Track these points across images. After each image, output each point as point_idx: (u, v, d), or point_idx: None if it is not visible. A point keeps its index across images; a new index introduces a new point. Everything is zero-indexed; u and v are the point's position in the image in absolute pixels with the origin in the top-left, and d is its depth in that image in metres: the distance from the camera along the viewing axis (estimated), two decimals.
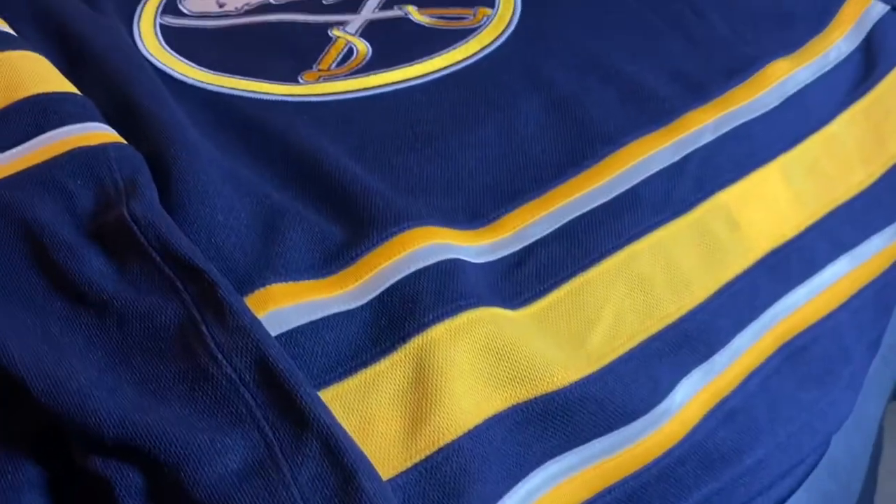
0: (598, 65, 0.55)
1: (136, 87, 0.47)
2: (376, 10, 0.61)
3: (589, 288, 0.40)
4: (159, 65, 0.55)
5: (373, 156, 0.47)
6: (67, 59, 0.50)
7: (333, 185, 0.44)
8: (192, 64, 0.55)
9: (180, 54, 0.57)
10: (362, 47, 0.56)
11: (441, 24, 0.59)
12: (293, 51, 0.56)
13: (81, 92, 0.46)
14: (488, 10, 0.60)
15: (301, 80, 0.53)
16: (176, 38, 0.59)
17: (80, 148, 0.40)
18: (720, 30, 0.59)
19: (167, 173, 0.41)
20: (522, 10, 0.60)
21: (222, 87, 0.53)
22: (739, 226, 0.46)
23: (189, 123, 0.46)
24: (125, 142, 0.42)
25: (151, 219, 0.36)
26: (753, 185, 0.48)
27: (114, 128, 0.44)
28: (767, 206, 0.48)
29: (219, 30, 0.60)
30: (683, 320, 0.42)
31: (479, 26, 0.58)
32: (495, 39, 0.57)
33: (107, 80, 0.48)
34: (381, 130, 0.49)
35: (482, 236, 0.42)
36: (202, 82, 0.53)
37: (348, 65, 0.54)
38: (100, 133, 0.42)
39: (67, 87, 0.45)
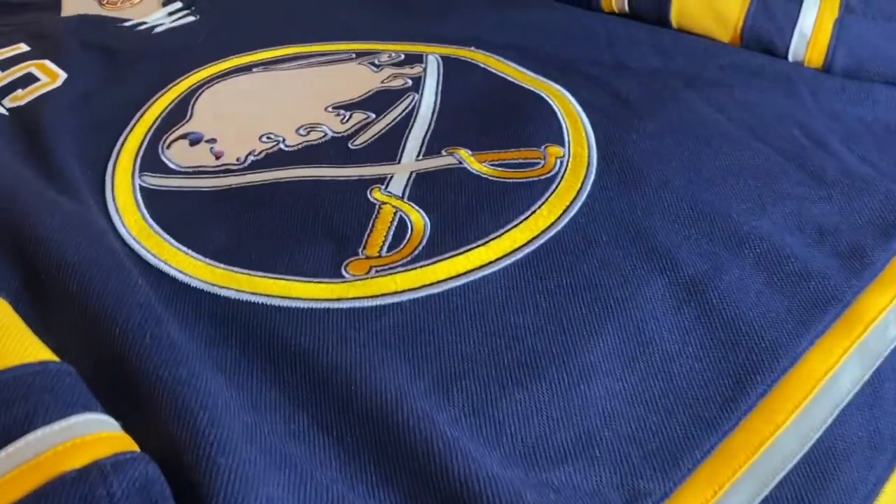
0: (717, 222, 0.43)
1: (132, 333, 0.33)
2: (420, 157, 0.48)
3: None
4: (148, 257, 0.42)
5: (468, 398, 0.34)
6: (30, 285, 0.36)
7: (432, 469, 0.31)
8: (193, 253, 0.42)
9: (174, 236, 0.43)
10: (417, 218, 0.43)
11: (507, 175, 0.46)
12: (327, 226, 0.43)
13: (54, 339, 0.33)
14: (559, 150, 0.48)
15: (346, 274, 0.40)
16: (164, 208, 0.45)
17: (63, 476, 0.26)
18: (846, 159, 0.48)
19: (200, 490, 0.27)
20: (598, 146, 0.49)
21: (241, 291, 0.39)
22: None
23: (213, 380, 0.33)
24: (131, 445, 0.29)
25: None
26: None
27: (105, 400, 0.31)
28: None
29: (221, 193, 0.46)
30: None
31: (555, 174, 0.46)
32: (579, 192, 0.45)
33: (86, 317, 0.34)
34: (467, 352, 0.36)
35: None
36: (211, 284, 0.40)
37: (404, 248, 0.42)
38: (92, 437, 0.28)
39: (34, 350, 0.31)
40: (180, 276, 0.40)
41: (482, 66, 0.57)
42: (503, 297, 0.39)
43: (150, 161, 0.49)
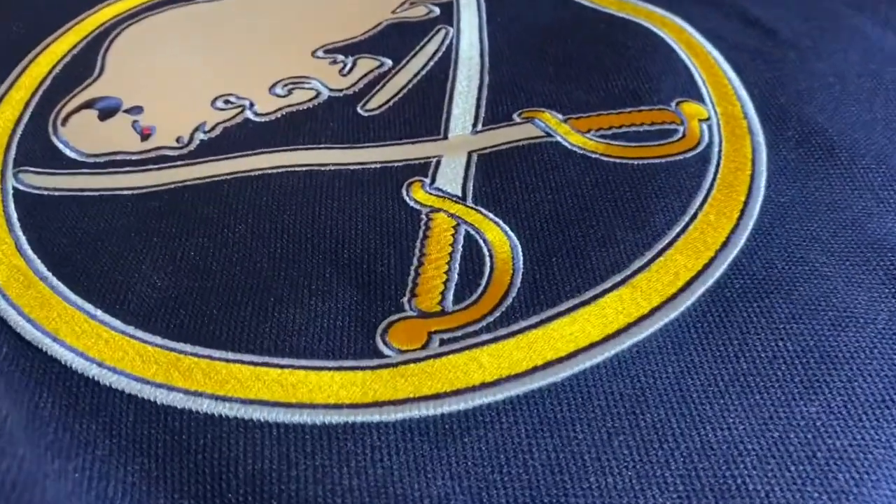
0: None
1: None
2: (480, 126, 0.30)
3: None
4: (21, 325, 0.23)
5: None
6: None
7: None
8: (106, 316, 0.23)
9: (72, 283, 0.24)
10: (497, 237, 0.25)
11: (632, 153, 0.28)
12: (341, 255, 0.25)
13: None
14: (700, 108, 0.30)
15: (388, 350, 0.22)
16: (56, 231, 0.26)
17: None
18: None
19: None
20: (755, 100, 0.31)
21: (195, 393, 0.21)
22: None
23: None
24: None
25: None
26: None
27: None
28: None
29: (152, 200, 0.27)
30: None
31: (707, 148, 0.28)
32: (753, 179, 0.27)
33: None
34: None
35: None
36: (140, 379, 0.22)
37: (484, 294, 0.23)
38: None
39: None
40: (82, 365, 0.22)
41: None
42: (687, 382, 0.21)
43: (34, 146, 0.30)
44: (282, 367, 0.22)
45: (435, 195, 0.26)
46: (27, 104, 0.32)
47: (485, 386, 0.21)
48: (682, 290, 0.23)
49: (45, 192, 0.28)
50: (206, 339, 0.22)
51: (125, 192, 0.28)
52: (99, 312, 0.23)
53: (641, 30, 0.34)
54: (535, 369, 0.21)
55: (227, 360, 0.22)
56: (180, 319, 0.23)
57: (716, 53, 0.33)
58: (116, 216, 0.27)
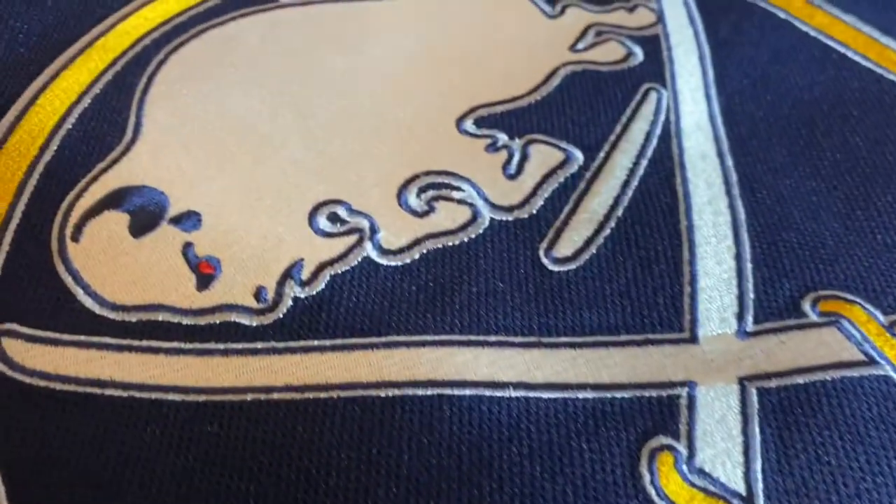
0: None
1: None
2: (749, 321, 0.18)
3: None
4: None
5: None
6: None
7: None
8: None
9: None
10: None
11: None
12: None
13: None
14: None
15: None
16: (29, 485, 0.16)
17: None
18: None
19: None
20: None
21: None
22: None
23: None
24: None
25: None
26: None
27: None
28: None
29: (211, 413, 0.16)
30: None
31: None
32: None
33: None
34: None
35: None
36: None
37: None
38: None
39: None
40: None
41: (797, 22, 0.26)
42: None
43: (24, 278, 0.18)
44: None
45: (702, 491, 0.15)
46: (19, 188, 0.20)
47: None
48: None
49: (33, 383, 0.17)
50: None
51: (169, 397, 0.17)
52: None
53: None
54: None
55: None
56: None
57: None
58: (146, 454, 0.16)
